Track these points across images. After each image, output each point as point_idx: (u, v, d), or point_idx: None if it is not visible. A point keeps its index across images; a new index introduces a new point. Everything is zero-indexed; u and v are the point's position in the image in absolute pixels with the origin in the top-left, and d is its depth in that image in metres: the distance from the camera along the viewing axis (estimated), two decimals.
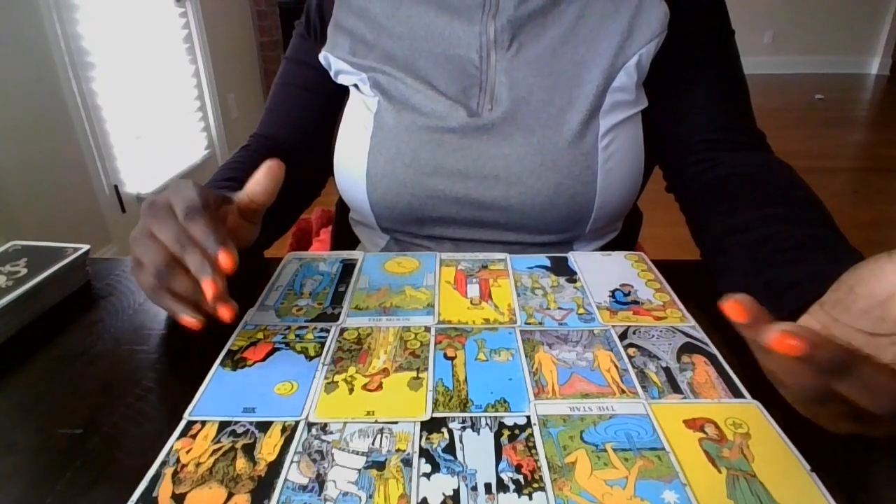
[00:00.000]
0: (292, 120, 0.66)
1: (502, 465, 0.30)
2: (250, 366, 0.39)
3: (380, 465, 0.30)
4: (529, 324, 0.43)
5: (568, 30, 0.58)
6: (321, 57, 0.62)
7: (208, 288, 0.36)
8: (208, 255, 0.37)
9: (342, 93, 0.63)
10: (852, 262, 0.39)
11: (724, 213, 0.52)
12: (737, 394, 0.36)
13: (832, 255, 0.42)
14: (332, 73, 0.62)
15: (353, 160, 0.59)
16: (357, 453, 0.31)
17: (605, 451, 0.31)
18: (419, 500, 0.28)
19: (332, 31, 0.62)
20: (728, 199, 0.53)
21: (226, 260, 0.36)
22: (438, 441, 0.32)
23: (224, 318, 0.37)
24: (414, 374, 0.37)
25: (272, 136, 0.66)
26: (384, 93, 0.58)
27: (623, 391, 0.36)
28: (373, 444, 0.32)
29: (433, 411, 0.34)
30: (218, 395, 0.36)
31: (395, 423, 0.33)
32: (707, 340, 0.41)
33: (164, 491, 0.29)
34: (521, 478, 0.29)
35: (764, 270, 0.43)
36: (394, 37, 0.60)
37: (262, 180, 0.43)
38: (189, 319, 0.38)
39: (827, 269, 0.39)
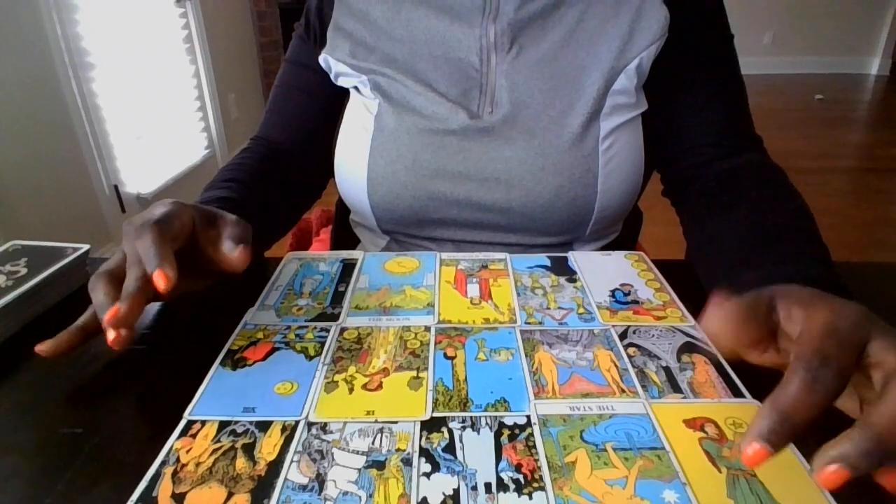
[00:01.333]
0: (292, 122, 0.66)
1: (502, 464, 0.30)
2: (250, 365, 0.38)
3: (380, 465, 0.30)
4: (529, 323, 0.43)
5: (568, 33, 0.58)
6: (321, 59, 0.61)
7: (110, 312, 0.35)
8: (143, 277, 0.36)
9: (342, 95, 0.63)
10: (800, 265, 0.41)
11: (700, 221, 0.54)
12: (737, 393, 0.36)
13: (781, 258, 0.43)
14: (332, 76, 0.62)
15: (353, 163, 0.59)
16: (357, 453, 0.31)
17: (605, 450, 0.31)
18: (419, 500, 0.28)
19: (331, 34, 0.61)
20: (706, 206, 0.55)
21: (159, 279, 0.35)
22: (438, 440, 0.32)
23: (108, 341, 0.35)
24: (414, 373, 0.37)
25: (272, 138, 0.66)
26: (384, 95, 0.58)
27: (623, 391, 0.36)
28: (373, 443, 0.32)
29: (433, 411, 0.34)
30: (218, 394, 0.36)
31: (395, 422, 0.33)
32: (707, 340, 0.41)
33: (164, 490, 0.29)
34: (521, 477, 0.29)
35: (719, 279, 0.45)
36: (394, 39, 0.60)
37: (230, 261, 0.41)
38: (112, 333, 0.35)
39: (771, 273, 0.41)
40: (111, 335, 0.35)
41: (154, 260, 0.36)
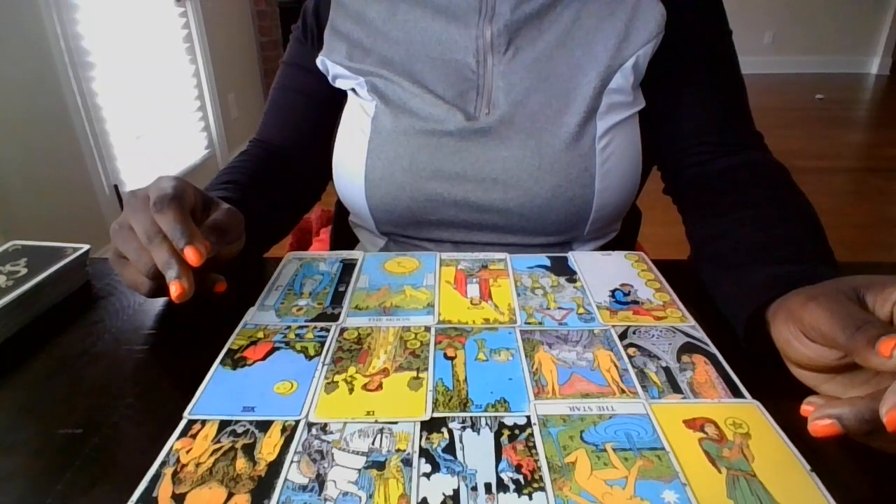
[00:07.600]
0: (291, 124, 0.66)
1: (502, 464, 0.30)
2: (250, 365, 0.38)
3: (380, 465, 0.30)
4: (529, 323, 0.43)
5: (564, 33, 0.57)
6: (318, 62, 0.61)
7: (174, 289, 0.36)
8: (175, 250, 0.37)
9: (340, 97, 0.63)
10: (815, 262, 0.41)
11: (704, 218, 0.54)
12: (737, 394, 0.36)
13: (797, 255, 0.43)
14: (329, 78, 0.62)
15: (351, 164, 0.59)
16: (357, 453, 0.31)
17: (604, 450, 0.31)
18: (419, 500, 0.28)
19: (328, 36, 0.61)
20: (709, 204, 0.55)
21: (192, 255, 0.36)
22: (438, 441, 0.32)
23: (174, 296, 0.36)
24: (414, 373, 0.37)
25: (271, 140, 0.66)
26: (381, 97, 0.58)
27: (623, 391, 0.36)
28: (373, 443, 0.32)
29: (433, 411, 0.34)
30: (218, 393, 0.36)
31: (395, 423, 0.33)
32: (707, 340, 0.41)
33: (164, 491, 0.29)
34: (521, 478, 0.29)
35: (729, 274, 0.45)
36: (390, 41, 0.60)
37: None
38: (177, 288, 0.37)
39: (787, 270, 0.41)
40: (175, 290, 0.36)
41: (183, 237, 0.36)
